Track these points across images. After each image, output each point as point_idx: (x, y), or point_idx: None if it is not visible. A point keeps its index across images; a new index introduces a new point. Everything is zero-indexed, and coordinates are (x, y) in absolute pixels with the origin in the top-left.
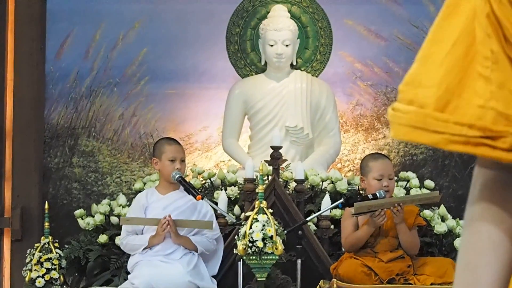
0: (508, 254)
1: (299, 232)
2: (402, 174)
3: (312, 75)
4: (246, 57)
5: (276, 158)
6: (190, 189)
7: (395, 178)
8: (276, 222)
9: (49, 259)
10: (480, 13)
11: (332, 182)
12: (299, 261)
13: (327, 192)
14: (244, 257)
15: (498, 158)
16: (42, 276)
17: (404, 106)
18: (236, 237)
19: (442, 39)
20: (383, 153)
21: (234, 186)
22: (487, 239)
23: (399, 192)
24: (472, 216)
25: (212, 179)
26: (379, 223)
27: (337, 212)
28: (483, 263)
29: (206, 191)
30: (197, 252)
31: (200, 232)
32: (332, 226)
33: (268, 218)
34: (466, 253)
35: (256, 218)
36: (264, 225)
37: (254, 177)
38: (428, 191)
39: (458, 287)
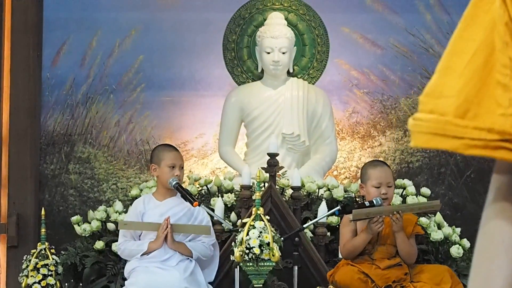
0: None
1: (296, 239)
2: (398, 181)
3: (309, 83)
4: (243, 65)
5: (272, 165)
6: (187, 195)
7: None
8: (273, 229)
9: (45, 265)
10: (499, 22)
11: (329, 189)
12: (295, 268)
13: (323, 199)
14: (241, 264)
15: None
16: (39, 282)
17: (425, 115)
18: (232, 243)
19: (462, 50)
20: (381, 160)
21: (231, 193)
22: (500, 243)
23: (395, 199)
24: (486, 220)
25: (208, 186)
26: (376, 230)
27: (334, 219)
28: (495, 266)
29: (203, 198)
30: (192, 257)
31: (196, 238)
32: (328, 233)
33: (265, 225)
34: (479, 256)
35: (253, 225)
36: (261, 232)
37: (251, 184)
38: (425, 199)
39: None
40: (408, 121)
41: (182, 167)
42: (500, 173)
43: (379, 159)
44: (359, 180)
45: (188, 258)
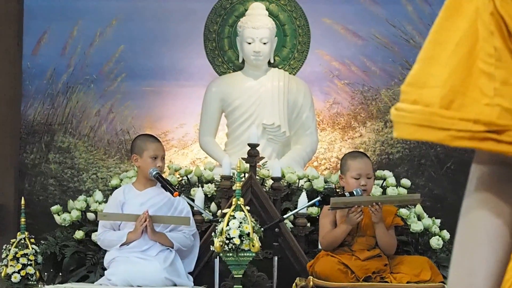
0: (504, 248)
1: (276, 229)
2: (379, 172)
3: (290, 73)
4: (224, 55)
5: (253, 156)
6: (167, 185)
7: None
8: (253, 220)
9: (25, 255)
10: (483, 11)
11: (309, 180)
12: (275, 258)
13: (303, 190)
14: (221, 254)
15: (504, 152)
16: (18, 272)
17: (409, 105)
18: (213, 234)
19: (446, 40)
20: (361, 151)
21: (211, 183)
22: (483, 233)
23: (375, 190)
24: (468, 210)
25: (188, 176)
26: (355, 220)
27: (314, 210)
28: (478, 256)
29: (183, 188)
30: (173, 248)
31: (177, 228)
32: (308, 224)
33: (245, 215)
34: (461, 246)
35: (233, 215)
36: (241, 222)
37: (231, 175)
38: (405, 190)
39: (453, 280)
40: (390, 112)
41: (164, 158)
42: (482, 163)
43: (360, 150)
44: (339, 171)
45: (168, 248)
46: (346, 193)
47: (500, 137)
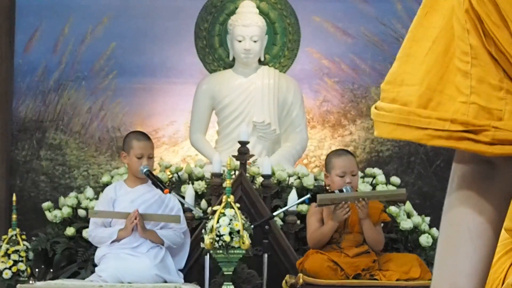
0: (486, 245)
1: (266, 227)
2: (368, 170)
3: (280, 71)
4: (214, 53)
5: (243, 153)
6: (157, 183)
7: (361, 174)
8: (243, 217)
9: (16, 251)
10: (458, 9)
11: (299, 178)
12: (265, 255)
13: (293, 187)
14: (211, 251)
15: (481, 152)
16: (9, 268)
17: (387, 104)
18: (203, 231)
19: (422, 37)
20: (348, 149)
21: (201, 181)
22: (466, 231)
23: (365, 188)
24: (450, 208)
25: (179, 174)
26: (342, 217)
27: (304, 207)
28: (462, 254)
29: (174, 185)
30: (163, 245)
31: (167, 225)
32: (298, 221)
33: (235, 213)
34: (444, 244)
35: (223, 213)
36: (231, 220)
37: (221, 172)
38: (394, 188)
39: (437, 278)
40: (371, 110)
41: (151, 157)
42: (462, 161)
43: (349, 148)
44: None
45: (159, 245)
46: (336, 191)
47: (477, 137)
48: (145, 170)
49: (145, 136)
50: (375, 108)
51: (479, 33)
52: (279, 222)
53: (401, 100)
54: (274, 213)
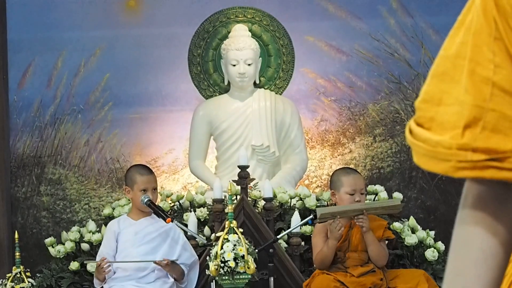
0: (499, 266)
1: (270, 250)
2: (370, 187)
3: (276, 93)
4: (209, 78)
5: (243, 178)
6: (159, 212)
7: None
8: (247, 241)
9: None
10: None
11: (301, 199)
12: (271, 279)
13: (296, 209)
14: (217, 278)
15: (507, 179)
16: None
17: (421, 131)
18: (207, 258)
19: (457, 55)
20: (353, 167)
21: (203, 207)
22: (479, 251)
23: None
24: (463, 226)
25: (180, 201)
26: (338, 233)
27: (307, 228)
28: (473, 274)
29: (175, 214)
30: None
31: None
32: (303, 243)
33: (239, 238)
34: (456, 263)
35: (227, 238)
36: (235, 245)
37: (223, 198)
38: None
39: None
40: (405, 132)
41: (155, 189)
42: (479, 182)
43: (350, 166)
44: (330, 188)
45: (167, 275)
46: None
47: (501, 164)
48: (146, 200)
49: (147, 170)
50: (410, 132)
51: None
52: (283, 244)
53: (439, 120)
54: (278, 236)
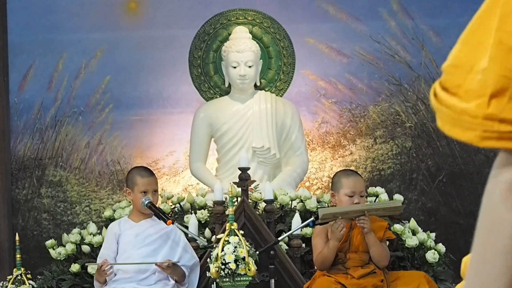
0: None
1: (271, 252)
2: (371, 189)
3: (276, 95)
4: (210, 80)
5: (244, 180)
6: (160, 214)
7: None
8: (247, 243)
9: None
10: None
11: (302, 201)
12: (272, 281)
13: (297, 211)
14: (218, 280)
15: None
16: None
17: (447, 97)
18: (208, 260)
19: (487, 26)
20: (354, 170)
21: (204, 209)
22: (509, 239)
23: None
24: (493, 211)
25: (181, 204)
26: (339, 233)
27: (308, 230)
28: (501, 264)
29: (176, 216)
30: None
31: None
32: (303, 245)
33: (240, 240)
34: (483, 249)
35: (228, 240)
36: (236, 247)
37: (224, 200)
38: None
39: (472, 285)
40: (429, 94)
41: (156, 191)
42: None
43: (351, 168)
44: (331, 189)
45: (168, 277)
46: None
47: None
48: (146, 202)
49: (148, 172)
50: (434, 95)
51: None
52: (284, 246)
53: (466, 87)
54: (279, 238)
